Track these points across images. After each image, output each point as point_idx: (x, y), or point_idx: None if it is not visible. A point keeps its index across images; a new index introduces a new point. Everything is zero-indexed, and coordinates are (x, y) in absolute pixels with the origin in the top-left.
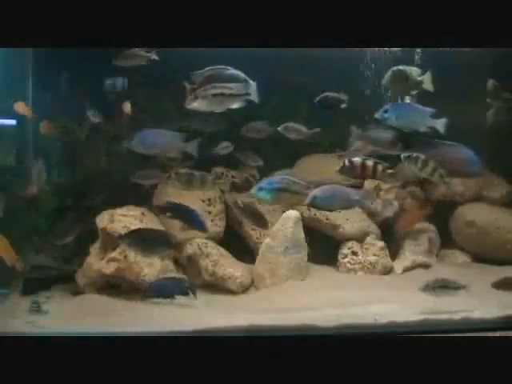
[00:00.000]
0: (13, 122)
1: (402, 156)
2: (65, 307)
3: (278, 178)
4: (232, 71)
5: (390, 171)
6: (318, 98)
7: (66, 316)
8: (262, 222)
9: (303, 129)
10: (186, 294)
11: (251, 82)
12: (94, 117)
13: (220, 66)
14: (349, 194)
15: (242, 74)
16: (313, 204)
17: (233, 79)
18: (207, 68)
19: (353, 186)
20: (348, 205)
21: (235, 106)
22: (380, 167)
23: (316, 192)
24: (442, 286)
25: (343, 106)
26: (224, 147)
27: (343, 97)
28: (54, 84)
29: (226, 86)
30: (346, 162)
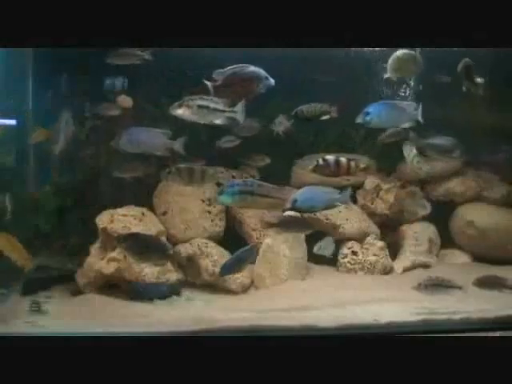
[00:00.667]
0: (13, 121)
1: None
2: (65, 307)
3: (242, 180)
4: (253, 68)
5: (362, 166)
6: (294, 111)
7: (66, 316)
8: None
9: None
10: (164, 298)
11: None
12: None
13: (242, 65)
14: (329, 194)
15: (262, 72)
16: (294, 208)
17: (254, 77)
18: (229, 67)
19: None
20: (330, 205)
21: (218, 121)
22: (353, 164)
23: (296, 195)
24: (435, 285)
25: (326, 117)
26: (228, 141)
27: (327, 108)
28: (53, 84)
29: (213, 100)
30: (320, 160)
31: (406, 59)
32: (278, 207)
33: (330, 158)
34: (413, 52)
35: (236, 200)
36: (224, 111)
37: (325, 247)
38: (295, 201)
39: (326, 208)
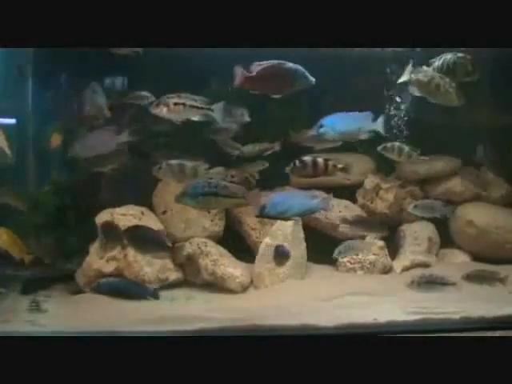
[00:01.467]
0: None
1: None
2: (64, 306)
3: (206, 181)
4: (291, 65)
5: (340, 166)
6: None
7: (66, 315)
8: None
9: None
10: (145, 298)
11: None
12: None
13: (279, 61)
14: (305, 200)
15: (301, 69)
16: (262, 215)
17: (291, 73)
18: (269, 61)
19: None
20: (306, 212)
21: (195, 118)
22: (331, 164)
23: (266, 201)
24: (428, 282)
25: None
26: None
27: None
28: (53, 84)
29: (190, 97)
30: (297, 162)
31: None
32: (238, 204)
33: (307, 158)
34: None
35: (199, 201)
36: (201, 108)
37: (344, 251)
38: (263, 207)
39: (302, 215)
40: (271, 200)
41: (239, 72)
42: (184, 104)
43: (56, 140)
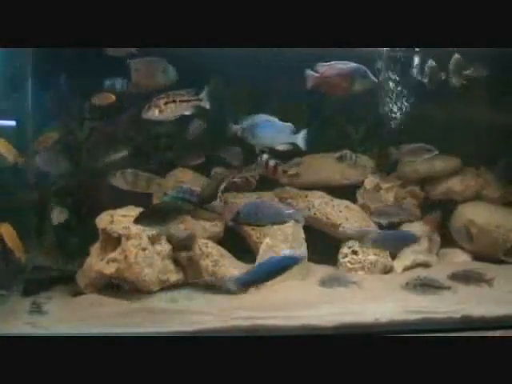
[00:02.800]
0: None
1: (335, 157)
2: (65, 308)
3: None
4: (354, 65)
5: (291, 173)
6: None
7: (66, 317)
8: None
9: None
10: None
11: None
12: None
13: (346, 61)
14: (278, 210)
15: (363, 69)
16: (236, 220)
17: (352, 73)
18: (334, 61)
19: None
20: (277, 221)
21: (187, 112)
22: (280, 169)
23: (239, 208)
24: (423, 284)
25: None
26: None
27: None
28: (53, 84)
29: (177, 94)
30: (258, 159)
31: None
32: (212, 218)
33: (264, 159)
34: None
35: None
36: (190, 100)
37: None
38: (238, 214)
39: (274, 223)
40: (245, 207)
41: (310, 74)
42: (174, 101)
43: (46, 140)
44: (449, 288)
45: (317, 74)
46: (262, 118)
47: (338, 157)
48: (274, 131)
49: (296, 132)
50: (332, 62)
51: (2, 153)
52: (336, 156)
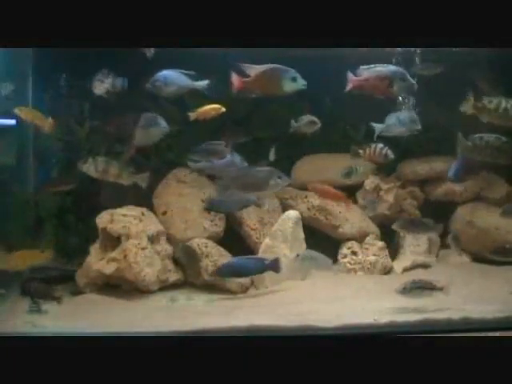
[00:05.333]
0: (13, 122)
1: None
2: (64, 307)
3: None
4: (393, 68)
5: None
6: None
7: (66, 316)
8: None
9: None
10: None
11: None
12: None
13: (386, 64)
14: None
15: (401, 72)
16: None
17: (390, 76)
18: (375, 64)
19: None
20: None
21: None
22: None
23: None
24: (419, 288)
25: None
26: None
27: None
28: (53, 84)
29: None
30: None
31: None
32: None
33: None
34: None
35: None
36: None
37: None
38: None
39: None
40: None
41: (351, 77)
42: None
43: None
44: (444, 289)
45: (355, 77)
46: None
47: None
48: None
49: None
50: (372, 65)
51: (38, 124)
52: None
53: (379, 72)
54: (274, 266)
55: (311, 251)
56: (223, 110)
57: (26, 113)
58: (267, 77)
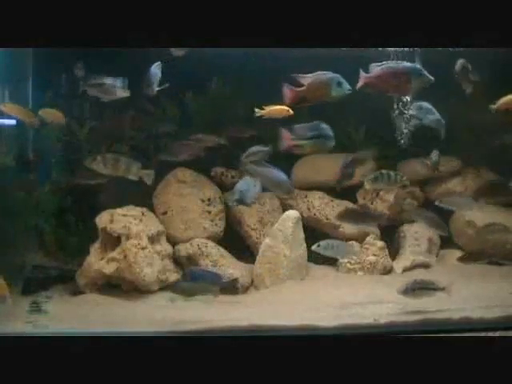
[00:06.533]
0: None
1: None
2: (65, 307)
3: None
4: (408, 65)
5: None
6: None
7: (66, 316)
8: None
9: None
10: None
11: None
12: None
13: (397, 61)
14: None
15: (418, 68)
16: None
17: (407, 72)
18: (387, 61)
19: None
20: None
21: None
22: None
23: None
24: (420, 288)
25: None
26: None
27: None
28: (54, 84)
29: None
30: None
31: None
32: None
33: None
34: None
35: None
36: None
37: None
38: None
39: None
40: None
41: (362, 75)
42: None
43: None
44: (446, 289)
45: (367, 74)
46: None
47: (373, 178)
48: None
49: None
50: (384, 62)
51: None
52: (369, 178)
53: (394, 68)
54: (230, 286)
55: (331, 240)
56: (291, 112)
57: (10, 108)
58: (318, 84)
